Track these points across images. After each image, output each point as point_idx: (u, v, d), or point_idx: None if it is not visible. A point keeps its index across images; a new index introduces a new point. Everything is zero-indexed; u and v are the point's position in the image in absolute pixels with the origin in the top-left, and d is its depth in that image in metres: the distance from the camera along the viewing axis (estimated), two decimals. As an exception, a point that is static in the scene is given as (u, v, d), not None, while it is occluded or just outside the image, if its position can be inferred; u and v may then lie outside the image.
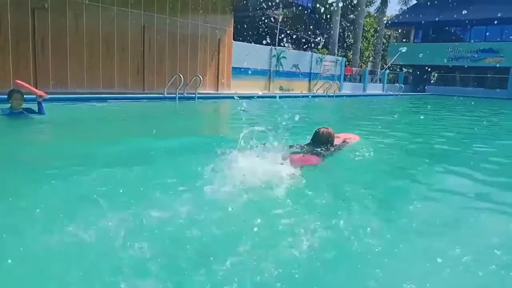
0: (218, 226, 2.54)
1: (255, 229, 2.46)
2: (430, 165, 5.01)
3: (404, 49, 31.49)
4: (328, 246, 2.38)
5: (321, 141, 4.21)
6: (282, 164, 3.46)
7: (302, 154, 3.98)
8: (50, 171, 3.75)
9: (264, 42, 21.28)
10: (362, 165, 4.17)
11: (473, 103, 18.06)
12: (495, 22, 30.00)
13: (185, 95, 13.66)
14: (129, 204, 2.82)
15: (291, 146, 4.19)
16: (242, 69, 19.12)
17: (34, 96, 6.78)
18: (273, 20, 26.86)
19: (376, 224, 2.77)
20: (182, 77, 13.14)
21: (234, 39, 18.51)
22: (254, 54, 19.89)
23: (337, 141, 4.52)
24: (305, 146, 4.25)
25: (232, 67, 18.39)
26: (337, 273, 2.15)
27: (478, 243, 2.61)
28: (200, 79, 13.65)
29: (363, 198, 3.22)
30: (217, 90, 17.54)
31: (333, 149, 4.30)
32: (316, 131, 4.33)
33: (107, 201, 2.90)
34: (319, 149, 4.11)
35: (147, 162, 4.22)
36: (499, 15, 28.79)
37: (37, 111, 6.65)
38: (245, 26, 22.67)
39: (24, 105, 6.56)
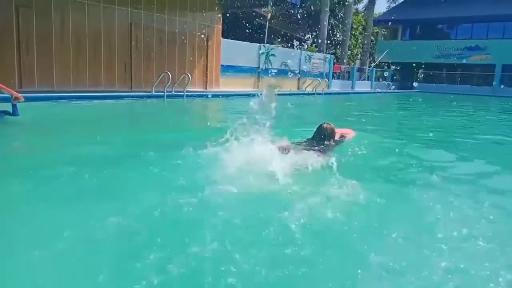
0: (244, 213, 2.73)
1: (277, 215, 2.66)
2: (427, 153, 5.45)
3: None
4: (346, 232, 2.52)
5: (325, 135, 4.41)
6: (293, 157, 3.69)
7: (308, 148, 4.17)
8: (25, 173, 3.68)
9: (253, 39, 21.25)
10: (364, 157, 4.47)
11: (455, 103, 18.36)
12: (481, 20, 30.40)
13: (173, 93, 13.55)
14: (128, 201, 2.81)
15: (294, 142, 4.34)
16: (231, 67, 19.04)
17: (9, 96, 6.70)
18: (262, 18, 26.80)
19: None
20: (170, 75, 13.04)
21: (223, 36, 18.41)
22: (243, 52, 19.81)
23: (335, 136, 4.74)
24: (309, 141, 4.44)
25: (221, 65, 18.30)
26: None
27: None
28: (189, 77, 13.55)
29: (373, 187, 3.37)
30: (206, 88, 17.45)
31: (334, 144, 4.52)
32: (319, 126, 4.54)
33: (90, 202, 2.86)
34: (323, 144, 4.31)
35: (138, 161, 4.17)
36: (485, 13, 29.18)
37: (11, 112, 6.60)
38: (234, 23, 22.58)
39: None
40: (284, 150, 3.69)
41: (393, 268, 2.12)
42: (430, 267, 2.12)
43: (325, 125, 4.50)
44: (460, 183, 4.03)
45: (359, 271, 2.08)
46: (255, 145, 3.76)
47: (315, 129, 4.57)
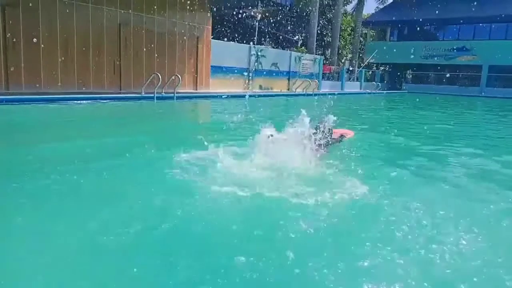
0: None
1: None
2: (421, 148, 5.95)
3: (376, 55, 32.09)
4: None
5: (324, 134, 4.63)
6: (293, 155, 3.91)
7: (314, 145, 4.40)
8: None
9: (242, 40, 21.19)
10: (362, 154, 4.86)
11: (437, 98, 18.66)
12: (468, 21, 30.79)
13: (164, 94, 13.44)
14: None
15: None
16: (221, 68, 18.96)
17: None
18: (251, 19, 26.78)
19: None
20: (160, 76, 12.92)
21: (213, 37, 18.33)
22: (233, 53, 19.75)
23: (335, 136, 5.02)
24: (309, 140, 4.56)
25: (211, 66, 18.21)
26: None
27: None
28: (179, 78, 13.46)
29: (371, 182, 3.49)
30: (196, 89, 17.35)
31: (333, 142, 4.79)
32: (317, 125, 4.75)
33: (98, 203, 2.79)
34: (322, 142, 4.53)
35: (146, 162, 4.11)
36: (471, 14, 29.55)
37: None
38: (224, 24, 22.52)
39: None
40: (270, 135, 3.79)
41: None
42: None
43: (322, 124, 4.68)
44: (454, 174, 4.28)
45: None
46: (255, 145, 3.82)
47: (315, 127, 4.71)
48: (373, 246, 2.27)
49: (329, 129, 4.68)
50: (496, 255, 2.27)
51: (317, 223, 2.54)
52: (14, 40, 11.35)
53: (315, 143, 4.42)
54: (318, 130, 4.65)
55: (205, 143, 4.08)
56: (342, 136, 5.17)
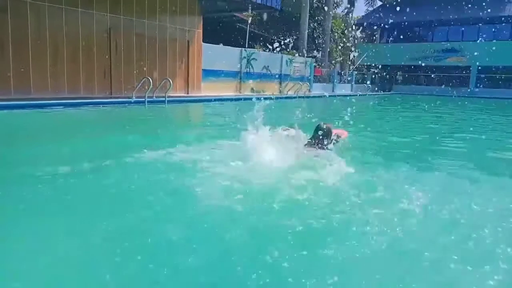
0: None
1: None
2: (412, 145, 6.36)
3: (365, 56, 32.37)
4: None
5: (323, 134, 4.72)
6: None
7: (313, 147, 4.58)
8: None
9: (234, 44, 21.18)
10: (357, 153, 5.12)
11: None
12: (457, 23, 31.17)
13: (155, 98, 13.37)
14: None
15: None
16: (212, 71, 18.92)
17: None
18: (242, 22, 26.81)
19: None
20: (151, 80, 12.86)
21: (204, 41, 18.30)
22: (224, 56, 19.73)
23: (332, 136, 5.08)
24: (308, 141, 4.75)
25: (202, 69, 18.17)
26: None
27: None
28: (170, 82, 13.40)
29: (371, 178, 3.75)
30: (188, 93, 17.30)
31: (332, 142, 4.84)
32: (317, 125, 4.86)
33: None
34: (322, 142, 4.66)
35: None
36: (460, 15, 29.90)
37: None
38: (215, 27, 22.50)
39: None
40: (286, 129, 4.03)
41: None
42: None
43: (322, 125, 4.76)
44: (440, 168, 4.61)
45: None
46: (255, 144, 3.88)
47: (315, 128, 4.84)
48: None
49: (329, 129, 4.73)
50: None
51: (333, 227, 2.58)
52: (2, 44, 11.22)
53: (320, 144, 4.49)
54: (320, 131, 4.73)
55: (195, 146, 4.07)
56: (337, 136, 5.20)
